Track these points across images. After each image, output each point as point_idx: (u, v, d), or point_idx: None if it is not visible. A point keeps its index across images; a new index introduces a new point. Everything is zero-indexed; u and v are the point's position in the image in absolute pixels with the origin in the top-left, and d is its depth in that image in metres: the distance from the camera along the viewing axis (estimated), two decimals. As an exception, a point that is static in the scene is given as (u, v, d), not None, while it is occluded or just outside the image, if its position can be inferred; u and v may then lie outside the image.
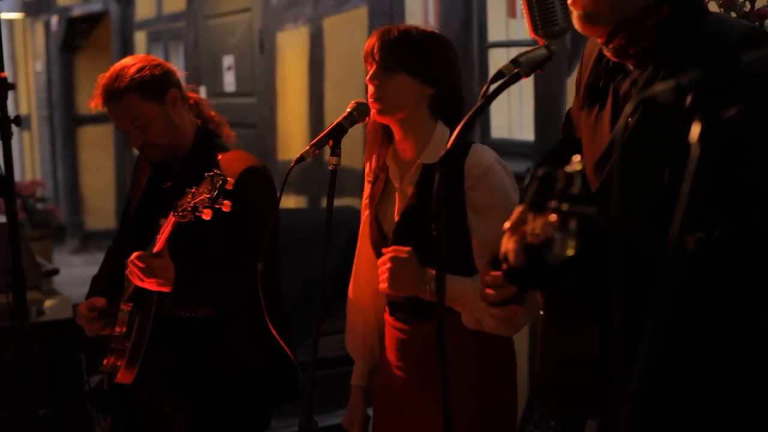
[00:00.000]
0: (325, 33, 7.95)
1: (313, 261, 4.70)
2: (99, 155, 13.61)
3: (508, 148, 5.91)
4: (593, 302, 2.09)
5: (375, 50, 3.01)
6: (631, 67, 2.22)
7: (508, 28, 6.23)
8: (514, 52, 6.13)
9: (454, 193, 2.94)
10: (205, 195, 3.07)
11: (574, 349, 2.21)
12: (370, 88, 3.03)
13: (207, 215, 3.07)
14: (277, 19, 8.68)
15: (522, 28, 6.06)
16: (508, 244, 1.88)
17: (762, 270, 1.95)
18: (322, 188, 7.74)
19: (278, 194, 3.10)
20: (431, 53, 3.02)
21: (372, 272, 3.17)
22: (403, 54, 2.99)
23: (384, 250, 2.96)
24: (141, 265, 3.26)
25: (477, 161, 2.96)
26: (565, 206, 1.61)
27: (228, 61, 9.71)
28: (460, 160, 2.96)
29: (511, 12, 6.29)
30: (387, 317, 3.17)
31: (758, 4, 3.59)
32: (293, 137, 8.47)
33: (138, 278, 3.29)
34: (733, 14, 3.56)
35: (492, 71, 6.20)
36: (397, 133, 3.09)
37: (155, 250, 3.26)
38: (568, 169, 1.63)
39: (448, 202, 2.85)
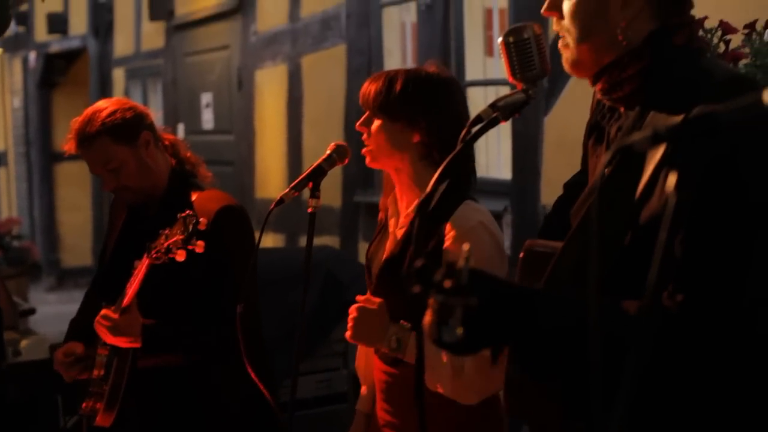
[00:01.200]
0: (304, 71, 7.98)
1: (291, 300, 4.69)
2: (76, 192, 13.59)
3: (485, 187, 5.93)
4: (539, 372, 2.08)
5: (367, 97, 3.00)
6: (621, 109, 2.21)
7: (485, 66, 6.27)
8: (491, 90, 6.17)
9: (436, 249, 2.92)
10: (178, 236, 3.07)
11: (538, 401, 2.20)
12: (363, 135, 3.03)
13: (180, 256, 3.07)
14: (256, 57, 8.70)
15: (499, 67, 6.10)
16: (425, 318, 1.89)
17: (733, 330, 1.87)
18: (300, 226, 7.74)
19: (258, 235, 3.07)
20: (423, 99, 2.96)
21: None
22: (388, 99, 2.96)
23: (358, 298, 2.96)
24: (107, 324, 3.27)
25: (460, 221, 2.89)
26: (440, 298, 1.71)
27: (206, 98, 9.72)
28: (446, 217, 2.90)
29: (489, 51, 6.33)
30: (375, 359, 3.15)
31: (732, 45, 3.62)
32: (271, 175, 8.47)
33: (106, 336, 3.31)
34: (708, 55, 3.59)
35: (470, 109, 6.24)
36: (394, 179, 3.08)
37: (124, 303, 3.26)
38: (454, 260, 1.72)
39: (432, 255, 2.84)
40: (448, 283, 1.71)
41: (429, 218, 2.17)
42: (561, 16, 2.18)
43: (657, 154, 1.87)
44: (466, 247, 1.73)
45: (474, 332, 1.77)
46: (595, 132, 2.30)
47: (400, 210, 3.10)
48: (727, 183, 1.82)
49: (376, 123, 2.99)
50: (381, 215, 3.21)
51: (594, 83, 2.20)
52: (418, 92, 2.97)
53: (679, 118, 1.87)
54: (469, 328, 1.74)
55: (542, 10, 2.21)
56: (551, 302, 1.93)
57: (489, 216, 2.97)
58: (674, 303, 1.85)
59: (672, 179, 1.45)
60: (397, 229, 3.07)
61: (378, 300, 2.90)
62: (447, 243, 2.88)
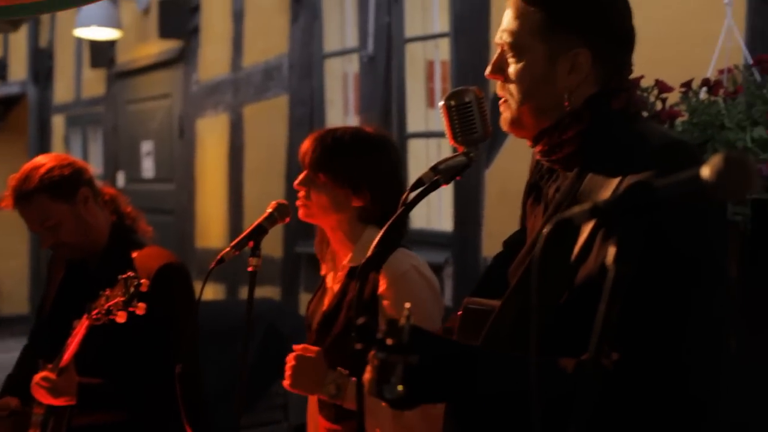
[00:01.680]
0: (245, 120, 7.98)
1: (231, 354, 4.67)
2: (13, 239, 13.42)
3: (426, 239, 5.95)
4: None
5: (306, 155, 3.02)
6: (560, 170, 2.22)
7: (427, 118, 6.30)
8: (433, 142, 6.20)
9: (373, 297, 2.94)
10: (118, 298, 3.05)
11: None
12: (299, 192, 3.05)
13: (121, 318, 3.05)
14: (197, 106, 8.69)
15: (441, 119, 6.13)
16: (365, 374, 1.91)
17: (666, 393, 1.92)
18: (240, 277, 7.70)
19: (199, 291, 3.05)
20: (362, 162, 3.00)
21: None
22: (331, 164, 2.99)
23: (295, 347, 2.96)
24: (46, 385, 3.24)
25: (393, 268, 2.92)
26: (381, 356, 1.76)
27: (147, 146, 9.69)
28: (379, 265, 2.94)
29: (430, 102, 6.37)
30: (319, 419, 3.13)
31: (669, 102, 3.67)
32: (212, 224, 8.44)
33: (44, 398, 3.28)
34: (644, 113, 3.64)
35: (411, 161, 6.29)
36: (329, 236, 3.11)
37: (62, 363, 3.23)
38: (396, 319, 1.76)
39: (368, 307, 2.87)
40: (390, 341, 1.75)
41: (366, 268, 2.22)
42: (505, 79, 2.20)
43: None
44: (407, 305, 1.76)
45: (414, 390, 1.80)
46: (533, 192, 2.32)
47: (337, 264, 3.12)
48: (659, 251, 1.85)
49: (319, 184, 3.01)
50: (323, 271, 3.22)
51: (534, 144, 2.22)
52: (364, 158, 3.01)
53: (614, 182, 1.97)
54: (410, 386, 1.78)
55: (486, 73, 2.22)
56: (492, 362, 1.96)
57: (420, 260, 3.01)
58: (610, 361, 1.87)
59: (611, 252, 1.47)
60: (334, 284, 3.09)
61: (316, 348, 2.91)
62: (381, 289, 2.92)
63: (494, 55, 2.22)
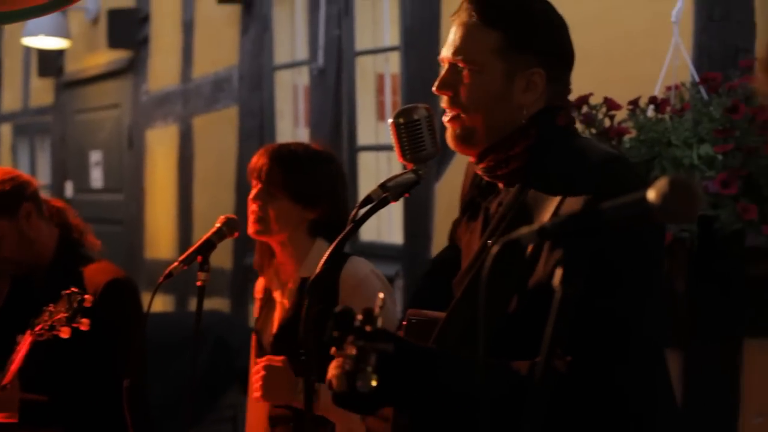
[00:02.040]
0: (195, 131, 7.95)
1: (179, 366, 4.65)
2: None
3: (377, 251, 5.96)
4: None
5: (262, 170, 3.04)
6: (501, 186, 2.27)
7: (377, 131, 6.31)
8: (383, 155, 6.21)
9: (329, 303, 2.96)
10: (62, 314, 3.03)
11: None
12: (252, 207, 3.06)
13: (65, 334, 3.03)
14: (147, 116, 8.66)
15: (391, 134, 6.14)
16: (331, 371, 1.93)
17: (604, 405, 2.01)
18: (190, 288, 7.66)
19: (149, 301, 3.04)
20: (317, 177, 3.07)
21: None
22: (289, 179, 3.03)
23: (258, 360, 2.97)
24: None
25: (352, 273, 3.01)
26: (360, 343, 1.76)
27: (96, 156, 9.63)
28: (335, 273, 2.99)
29: (381, 115, 6.38)
30: None
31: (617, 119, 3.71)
32: (161, 235, 8.40)
33: None
34: (593, 130, 3.68)
35: (361, 174, 6.29)
36: (276, 251, 3.12)
37: (5, 381, 3.20)
38: (373, 306, 1.78)
39: (326, 316, 2.89)
40: (369, 328, 1.77)
41: (317, 282, 2.26)
42: (454, 95, 2.22)
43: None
44: (381, 295, 1.80)
45: (387, 380, 1.83)
46: (469, 209, 2.37)
47: (284, 280, 3.13)
48: (601, 268, 1.90)
49: (276, 199, 3.04)
50: (258, 291, 3.23)
51: (480, 160, 2.24)
52: (317, 173, 3.07)
53: (557, 198, 2.05)
54: (384, 376, 1.79)
55: (434, 89, 2.25)
56: (453, 362, 2.04)
57: (371, 264, 3.10)
58: (563, 363, 1.95)
59: (558, 274, 1.48)
60: (283, 299, 3.10)
61: (280, 357, 2.92)
62: (343, 295, 2.98)
63: (442, 71, 2.24)
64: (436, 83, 2.24)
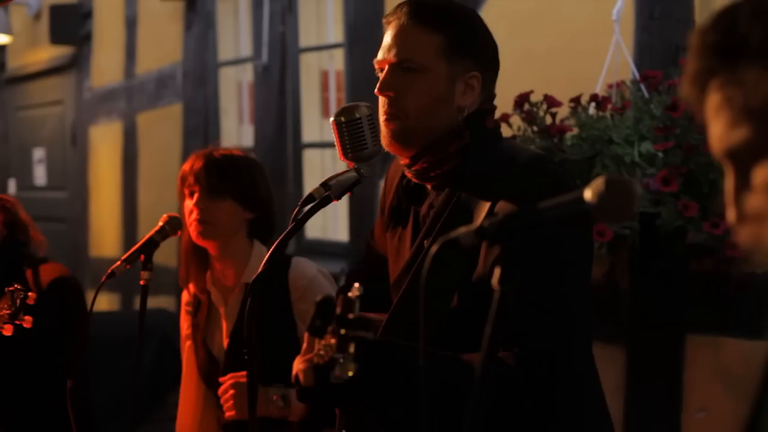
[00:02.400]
0: (139, 128, 7.90)
1: (124, 365, 4.62)
2: None
3: (322, 248, 5.96)
4: (385, 419, 2.16)
5: (201, 174, 3.05)
6: (429, 188, 2.30)
7: (322, 128, 6.31)
8: (328, 152, 6.21)
9: (281, 307, 3.01)
10: (4, 311, 3.00)
11: None
12: (195, 213, 3.06)
13: (7, 331, 3.00)
14: (90, 113, 8.59)
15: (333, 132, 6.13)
16: (298, 366, 1.95)
17: (549, 394, 2.08)
18: (135, 286, 7.62)
19: (93, 299, 3.03)
20: (254, 178, 3.13)
21: (198, 404, 3.18)
22: (231, 180, 3.07)
23: (221, 379, 2.98)
24: None
25: (301, 273, 3.06)
26: (342, 331, 1.78)
27: (39, 153, 9.54)
28: (282, 275, 3.04)
29: (325, 112, 6.38)
30: None
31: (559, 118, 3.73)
32: (105, 233, 8.34)
33: None
34: (534, 128, 3.70)
35: (306, 171, 6.29)
36: (216, 257, 3.13)
37: None
38: (349, 294, 1.78)
39: (275, 318, 2.90)
40: (352, 315, 1.79)
41: (259, 282, 2.27)
42: (396, 97, 2.24)
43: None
44: (356, 285, 1.79)
45: (366, 368, 1.83)
46: (394, 216, 2.41)
47: (229, 287, 3.15)
48: (534, 260, 1.92)
49: (220, 202, 3.07)
50: (187, 302, 3.23)
51: (414, 162, 2.27)
52: (254, 175, 3.14)
53: (488, 198, 2.11)
54: (364, 363, 1.80)
55: (376, 91, 2.27)
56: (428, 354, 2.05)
57: (315, 264, 3.18)
58: (510, 356, 2.03)
59: (496, 273, 1.50)
60: (230, 308, 3.12)
61: (243, 372, 2.90)
62: (295, 297, 3.04)
63: (383, 74, 2.27)
64: (378, 85, 2.27)
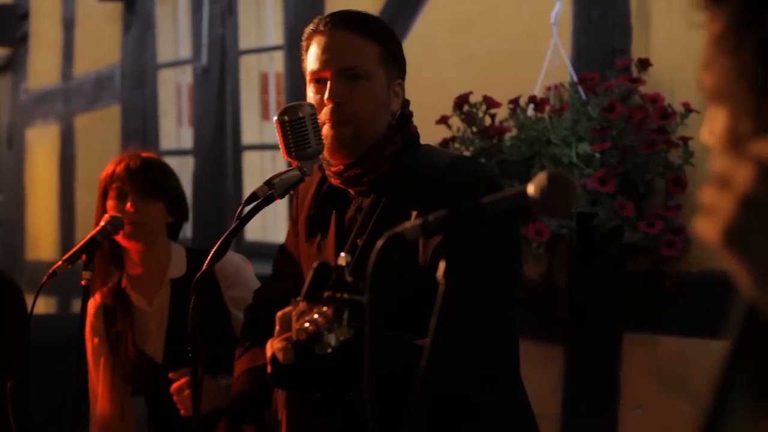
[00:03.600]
0: (77, 130, 7.84)
1: (63, 367, 4.59)
2: None
3: (262, 250, 5.96)
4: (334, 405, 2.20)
5: (136, 175, 3.08)
6: (352, 192, 2.38)
7: (261, 130, 6.32)
8: (268, 154, 6.22)
9: (213, 299, 3.04)
10: None
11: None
12: (128, 214, 3.08)
13: None
14: (26, 115, 8.51)
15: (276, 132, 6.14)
16: (274, 345, 1.97)
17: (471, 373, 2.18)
18: (72, 290, 7.56)
19: (32, 302, 3.02)
20: (178, 184, 3.25)
21: (118, 411, 3.19)
22: (164, 182, 3.16)
23: (172, 375, 2.99)
24: None
25: (227, 262, 3.11)
26: (339, 295, 1.80)
27: (-27, 156, 9.43)
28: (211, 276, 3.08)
29: (265, 114, 6.38)
30: None
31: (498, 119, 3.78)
32: (42, 236, 8.27)
33: None
34: (474, 129, 3.74)
35: (246, 174, 6.28)
36: (136, 257, 3.17)
37: None
38: (338, 262, 1.81)
39: (208, 310, 2.93)
40: (351, 278, 1.80)
41: (185, 283, 2.29)
42: (342, 103, 2.30)
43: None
44: (342, 254, 1.82)
45: (359, 334, 1.81)
46: (312, 225, 2.47)
47: (155, 286, 3.19)
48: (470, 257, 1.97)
49: (157, 204, 3.14)
50: (98, 320, 3.24)
51: (348, 169, 2.34)
52: (174, 178, 3.25)
53: (416, 198, 2.19)
54: (357, 328, 1.81)
55: (326, 98, 2.32)
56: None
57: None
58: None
59: (441, 267, 1.53)
60: (157, 306, 3.14)
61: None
62: (224, 285, 3.12)
63: (329, 82, 2.34)
64: (328, 93, 2.34)
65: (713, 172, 0.86)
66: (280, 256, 2.65)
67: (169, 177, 3.20)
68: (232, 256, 3.18)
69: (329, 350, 1.81)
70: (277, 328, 2.02)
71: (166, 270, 3.16)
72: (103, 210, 3.13)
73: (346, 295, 1.80)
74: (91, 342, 3.25)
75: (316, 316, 1.81)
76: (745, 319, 0.91)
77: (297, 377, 2.11)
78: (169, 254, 3.20)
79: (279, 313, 2.04)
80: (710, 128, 0.99)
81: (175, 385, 2.98)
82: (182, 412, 2.97)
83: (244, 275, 3.15)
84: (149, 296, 3.15)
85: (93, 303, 3.23)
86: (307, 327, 1.82)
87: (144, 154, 3.20)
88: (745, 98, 0.95)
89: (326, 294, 1.81)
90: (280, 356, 1.99)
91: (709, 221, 0.86)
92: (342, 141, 2.32)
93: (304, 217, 2.49)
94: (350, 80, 2.33)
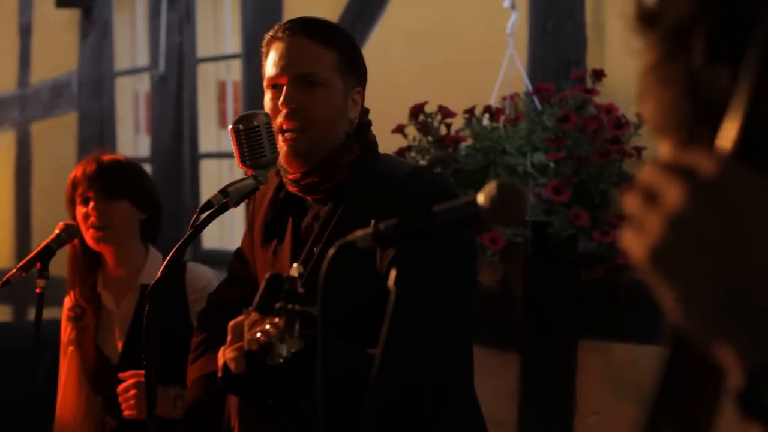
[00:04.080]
0: (33, 138, 7.79)
1: (17, 376, 4.57)
2: None
3: (220, 258, 5.94)
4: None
5: (95, 177, 3.07)
6: (310, 200, 2.39)
7: (219, 138, 6.31)
8: (225, 162, 6.21)
9: (178, 309, 3.04)
10: None
11: None
12: (92, 218, 3.07)
13: None
14: (-18, 123, 8.45)
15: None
16: (226, 355, 1.98)
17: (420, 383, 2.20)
18: (28, 298, 7.51)
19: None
20: (144, 180, 3.21)
21: (80, 409, 3.16)
22: (125, 180, 3.11)
23: (122, 375, 2.97)
24: None
25: (198, 276, 3.12)
26: (291, 306, 1.81)
27: (-72, 163, 9.35)
28: (179, 279, 3.10)
29: (222, 123, 6.37)
30: None
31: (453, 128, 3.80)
32: (-2, 244, 8.21)
33: None
34: (429, 138, 3.76)
35: (203, 182, 6.27)
36: (111, 260, 3.14)
37: None
38: (291, 272, 1.83)
39: (172, 320, 2.93)
40: (302, 289, 1.82)
41: (158, 287, 2.30)
42: (298, 110, 2.31)
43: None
44: (295, 265, 1.85)
45: (311, 344, 1.83)
46: (268, 231, 2.47)
47: (123, 289, 3.17)
48: (423, 266, 1.99)
49: (115, 206, 3.09)
50: (70, 320, 3.23)
51: (305, 177, 2.33)
52: (143, 179, 3.23)
53: (373, 207, 2.12)
54: (308, 339, 1.82)
55: (280, 104, 2.32)
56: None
57: (210, 269, 3.27)
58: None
59: (392, 275, 1.54)
60: (122, 309, 3.13)
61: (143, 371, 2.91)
62: (192, 299, 3.08)
63: (285, 88, 2.34)
64: (282, 99, 2.34)
65: (640, 182, 0.85)
66: (235, 260, 2.66)
67: (130, 174, 3.16)
68: (205, 272, 3.17)
69: (281, 361, 1.82)
70: (229, 337, 2.03)
71: (138, 274, 3.14)
72: (73, 218, 3.13)
73: (297, 307, 1.81)
74: (63, 335, 3.25)
75: (267, 326, 1.82)
76: (673, 345, 0.89)
77: (248, 385, 2.12)
78: (144, 258, 3.18)
79: (231, 323, 2.05)
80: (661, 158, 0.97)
81: (122, 386, 2.98)
82: (125, 412, 2.97)
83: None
84: (118, 298, 3.15)
85: (67, 300, 3.24)
86: (258, 337, 1.83)
87: (104, 157, 3.17)
88: (679, 131, 0.92)
89: (278, 305, 1.82)
90: (231, 366, 2.01)
91: (634, 236, 0.84)
92: (297, 149, 2.33)
93: (260, 222, 2.49)
94: (306, 87, 2.33)
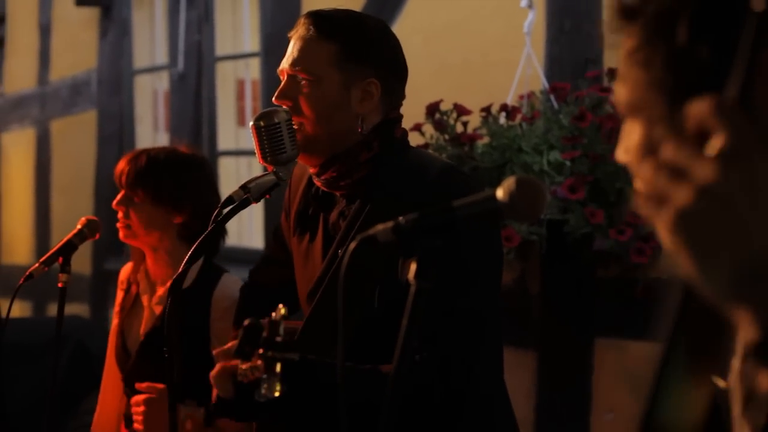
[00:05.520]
0: (53, 135, 7.85)
1: (39, 372, 4.60)
2: None
3: (238, 255, 5.98)
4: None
5: (122, 176, 3.03)
6: (339, 195, 2.37)
7: (237, 136, 6.34)
8: (243, 160, 6.25)
9: (200, 320, 2.98)
10: None
11: None
12: (119, 213, 3.05)
13: None
14: (2, 120, 8.50)
15: (252, 137, 6.16)
16: (218, 381, 2.02)
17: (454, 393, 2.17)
18: (47, 294, 7.56)
19: (9, 306, 3.02)
20: (180, 180, 3.04)
21: (117, 386, 3.15)
22: (148, 183, 3.01)
23: (138, 386, 2.94)
24: None
25: (225, 294, 3.00)
26: (269, 353, 1.85)
27: (-51, 160, 9.41)
28: (208, 290, 3.02)
29: (241, 121, 6.41)
30: None
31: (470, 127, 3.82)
32: (18, 241, 8.26)
33: None
34: (446, 136, 3.78)
35: (222, 179, 6.30)
36: (147, 255, 3.11)
37: None
38: (274, 316, 1.86)
39: (192, 327, 2.89)
40: (279, 338, 1.86)
41: (185, 294, 2.30)
42: (294, 105, 2.32)
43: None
44: (280, 305, 1.88)
45: (292, 387, 1.91)
46: (301, 222, 2.46)
47: (156, 285, 3.13)
48: (451, 263, 2.00)
49: (137, 203, 3.02)
50: (122, 290, 3.22)
51: (323, 171, 2.33)
52: (181, 175, 3.05)
53: (400, 205, 2.08)
54: (290, 383, 1.88)
55: (273, 98, 2.34)
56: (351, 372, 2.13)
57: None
58: (420, 358, 2.09)
59: (412, 268, 1.56)
60: (153, 304, 3.10)
61: (160, 387, 2.88)
62: (215, 315, 2.99)
63: (282, 82, 2.35)
64: (276, 93, 2.34)
65: (664, 161, 0.89)
66: (274, 241, 2.64)
67: (157, 173, 3.01)
68: (233, 290, 2.95)
69: (266, 399, 1.87)
70: (218, 366, 2.07)
71: (173, 272, 3.05)
72: None
73: (275, 354, 1.86)
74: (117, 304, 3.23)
75: (252, 368, 1.88)
76: (683, 300, 0.94)
77: (239, 410, 2.14)
78: (179, 257, 2.88)
79: (216, 351, 2.09)
80: (625, 146, 1.02)
81: (134, 398, 2.93)
82: (134, 425, 2.92)
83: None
84: (151, 292, 3.13)
85: (122, 272, 3.21)
86: (247, 374, 1.89)
87: (151, 151, 3.07)
88: (657, 106, 0.98)
89: (258, 351, 1.87)
90: (221, 393, 2.03)
91: (656, 206, 0.89)
92: (300, 143, 2.34)
93: (295, 210, 2.48)
94: (298, 82, 2.32)
